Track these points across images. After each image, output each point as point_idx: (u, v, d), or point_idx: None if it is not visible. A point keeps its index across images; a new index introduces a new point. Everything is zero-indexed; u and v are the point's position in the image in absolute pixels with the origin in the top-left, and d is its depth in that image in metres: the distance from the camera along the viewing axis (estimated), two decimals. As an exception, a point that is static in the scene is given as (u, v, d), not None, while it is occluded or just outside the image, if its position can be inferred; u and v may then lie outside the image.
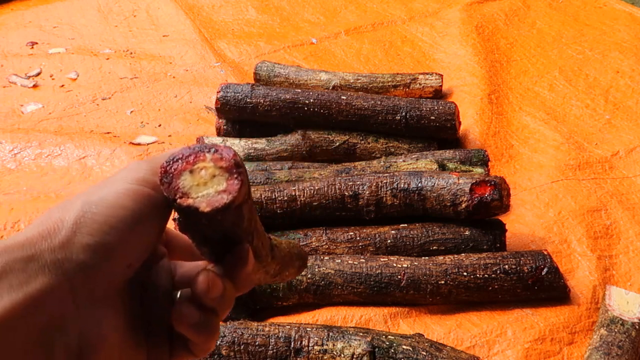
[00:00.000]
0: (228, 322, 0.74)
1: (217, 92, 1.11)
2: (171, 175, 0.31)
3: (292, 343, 0.71)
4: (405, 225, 0.88)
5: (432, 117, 1.07)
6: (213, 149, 0.31)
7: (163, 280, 0.36)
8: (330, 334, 0.72)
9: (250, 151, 1.09)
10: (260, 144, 1.10)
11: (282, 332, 0.72)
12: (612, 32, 1.48)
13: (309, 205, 0.89)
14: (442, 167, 0.98)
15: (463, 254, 0.83)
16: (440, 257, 0.82)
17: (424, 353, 0.69)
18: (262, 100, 1.09)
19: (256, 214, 0.36)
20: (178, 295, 0.36)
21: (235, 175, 0.31)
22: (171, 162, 0.31)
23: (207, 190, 0.30)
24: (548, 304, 0.82)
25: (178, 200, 0.30)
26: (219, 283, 0.32)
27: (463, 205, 0.84)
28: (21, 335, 0.26)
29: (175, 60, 1.48)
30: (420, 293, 0.80)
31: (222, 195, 0.30)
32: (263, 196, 0.88)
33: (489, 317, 0.80)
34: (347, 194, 0.89)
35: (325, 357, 0.70)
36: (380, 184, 0.88)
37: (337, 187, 0.89)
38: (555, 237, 0.93)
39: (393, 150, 1.08)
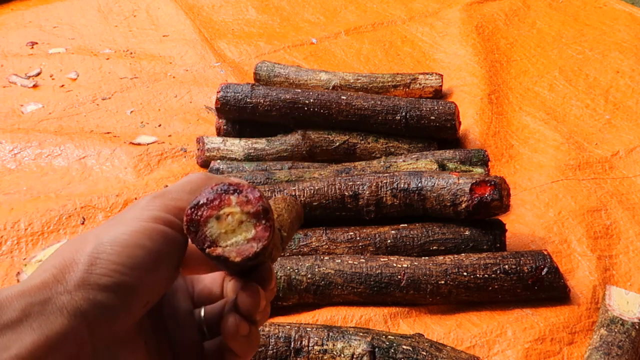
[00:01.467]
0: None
1: (217, 92, 1.11)
2: (197, 223, 0.30)
3: (292, 343, 0.71)
4: (405, 225, 0.88)
5: (432, 117, 1.07)
6: (237, 191, 0.30)
7: (181, 301, 0.36)
8: (330, 334, 0.72)
9: (250, 151, 1.09)
10: (260, 144, 1.10)
11: (282, 332, 0.72)
12: (612, 32, 1.48)
13: (309, 205, 0.89)
14: (442, 167, 0.98)
15: (463, 254, 0.83)
16: (440, 257, 0.82)
17: (424, 353, 0.69)
18: (262, 100, 1.09)
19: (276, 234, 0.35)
20: (202, 313, 0.36)
21: (263, 221, 0.30)
22: (195, 209, 0.30)
23: (236, 238, 0.30)
24: (548, 304, 0.82)
25: (207, 250, 0.30)
26: (262, 296, 0.33)
27: (463, 205, 0.84)
28: None
29: (175, 60, 1.48)
30: (420, 293, 0.80)
31: (251, 243, 0.30)
32: (263, 196, 0.88)
33: (489, 317, 0.80)
34: (347, 194, 0.89)
35: (325, 357, 0.70)
36: (380, 184, 0.88)
37: (337, 187, 0.89)
38: (555, 237, 0.93)
39: (393, 150, 1.08)
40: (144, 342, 0.32)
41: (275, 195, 0.89)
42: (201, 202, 0.30)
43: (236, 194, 0.30)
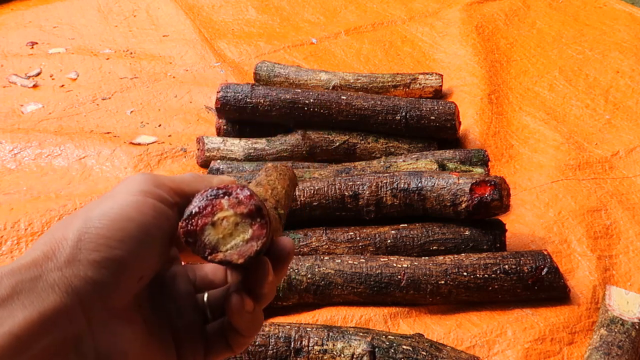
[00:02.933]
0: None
1: (217, 92, 1.11)
2: (194, 233, 0.30)
3: (292, 343, 0.71)
4: (405, 225, 0.88)
5: (432, 117, 1.07)
6: (227, 193, 0.30)
7: (182, 285, 0.36)
8: (330, 334, 0.72)
9: (250, 151, 1.09)
10: (260, 144, 1.10)
11: (282, 332, 0.72)
12: (612, 32, 1.48)
13: (309, 205, 0.89)
14: (442, 167, 0.98)
15: (463, 254, 0.83)
16: (440, 257, 0.82)
17: (424, 353, 0.69)
18: (262, 100, 1.09)
19: (273, 217, 0.35)
20: (205, 298, 0.36)
21: (258, 219, 0.30)
22: (189, 219, 0.30)
23: (235, 240, 0.30)
24: (548, 304, 0.82)
25: (209, 258, 0.30)
26: (270, 269, 0.33)
27: (463, 205, 0.84)
28: (37, 355, 0.26)
29: (175, 60, 1.48)
30: (420, 293, 0.80)
31: (250, 243, 0.30)
32: (263, 196, 0.88)
33: (489, 317, 0.80)
34: (347, 194, 0.89)
35: (325, 357, 0.70)
36: (380, 184, 0.88)
37: (337, 187, 0.89)
38: (555, 237, 0.93)
39: (393, 150, 1.08)
40: (143, 319, 0.32)
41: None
42: (194, 211, 0.30)
43: (227, 196, 0.30)
